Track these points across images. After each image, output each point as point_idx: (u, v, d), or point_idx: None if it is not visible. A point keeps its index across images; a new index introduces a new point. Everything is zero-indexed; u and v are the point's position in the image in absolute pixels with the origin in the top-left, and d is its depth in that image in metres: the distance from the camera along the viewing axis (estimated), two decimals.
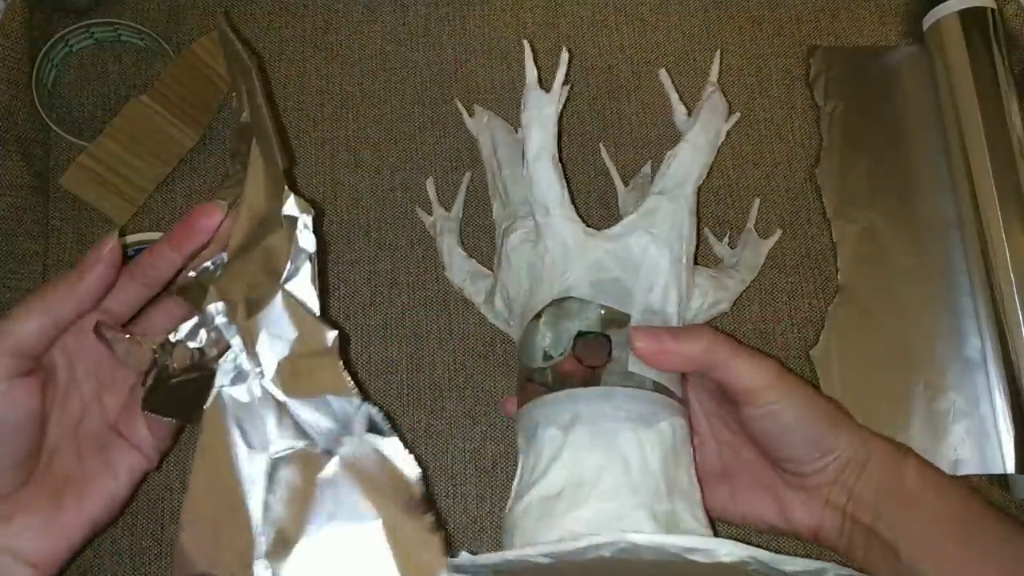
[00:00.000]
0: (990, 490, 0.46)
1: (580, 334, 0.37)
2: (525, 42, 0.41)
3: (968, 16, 0.49)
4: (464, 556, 0.30)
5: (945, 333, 0.47)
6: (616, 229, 0.38)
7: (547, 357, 0.37)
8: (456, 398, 0.46)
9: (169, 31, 0.52)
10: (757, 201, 0.49)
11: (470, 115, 0.49)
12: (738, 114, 0.49)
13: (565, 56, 0.40)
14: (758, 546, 0.29)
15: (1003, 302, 0.45)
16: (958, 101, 0.49)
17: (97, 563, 0.44)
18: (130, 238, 0.45)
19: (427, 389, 0.46)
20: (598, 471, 0.33)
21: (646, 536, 0.28)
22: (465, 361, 0.47)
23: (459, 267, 0.46)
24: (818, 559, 0.29)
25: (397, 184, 0.50)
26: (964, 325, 0.47)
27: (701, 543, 0.29)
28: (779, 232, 0.48)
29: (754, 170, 0.51)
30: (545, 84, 0.40)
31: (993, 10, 0.49)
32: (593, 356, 0.37)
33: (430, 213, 0.48)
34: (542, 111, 0.39)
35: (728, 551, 0.29)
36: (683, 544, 0.29)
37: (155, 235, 0.45)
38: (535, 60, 0.40)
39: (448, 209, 0.48)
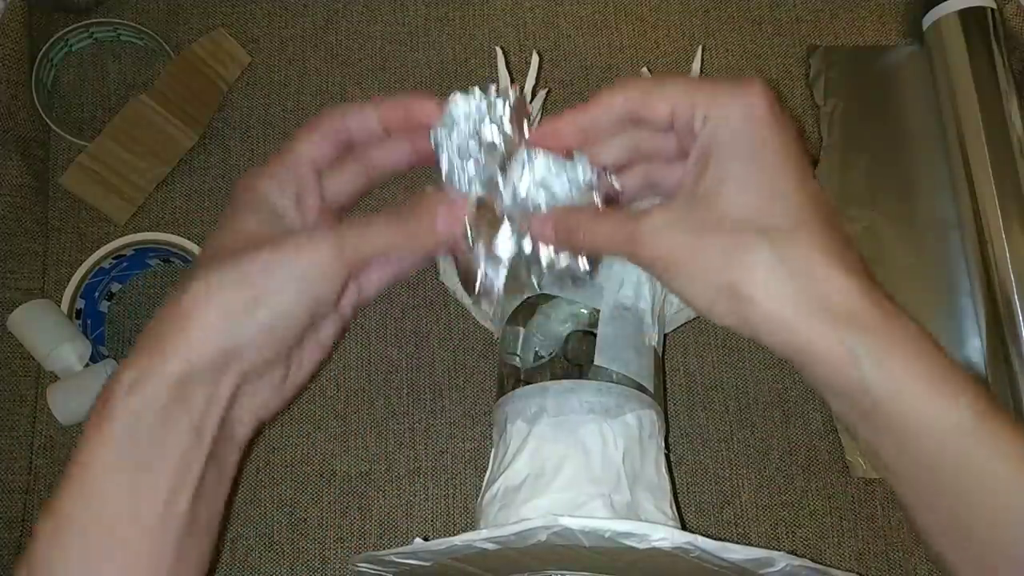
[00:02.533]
0: None
1: (571, 334, 0.38)
2: (498, 48, 0.43)
3: (968, 16, 0.49)
4: (417, 541, 0.31)
5: (945, 333, 0.47)
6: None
7: (537, 357, 0.38)
8: (456, 398, 0.46)
9: (169, 31, 0.52)
10: None
11: None
12: None
13: (535, 60, 0.42)
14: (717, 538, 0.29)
15: (1003, 302, 0.45)
16: (958, 101, 0.49)
17: None
18: (130, 238, 0.45)
19: (427, 389, 0.46)
20: (559, 461, 0.34)
21: (578, 520, 0.29)
22: (465, 361, 0.47)
23: (452, 271, 0.46)
24: (769, 544, 0.29)
25: (397, 184, 0.50)
26: (964, 325, 0.47)
27: (634, 527, 0.29)
28: None
29: None
30: (540, 86, 0.40)
31: (993, 10, 0.49)
32: (581, 355, 0.37)
33: None
34: None
35: (662, 536, 0.29)
36: (616, 528, 0.29)
37: (155, 235, 0.45)
38: (539, 64, 0.42)
39: None
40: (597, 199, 0.32)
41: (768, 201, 0.29)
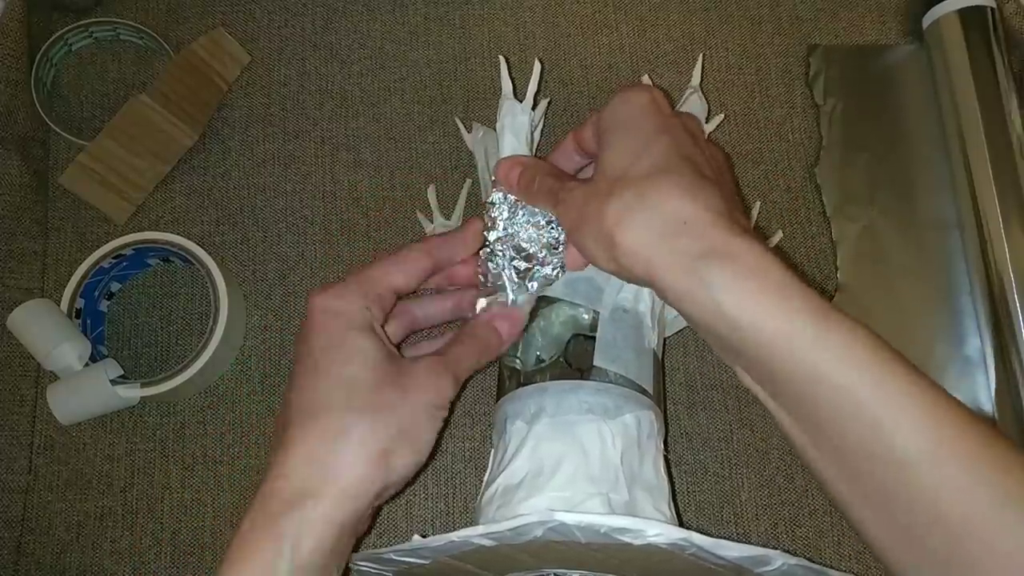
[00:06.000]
0: None
1: (572, 338, 0.38)
2: (501, 57, 0.43)
3: (968, 15, 0.49)
4: (416, 538, 0.32)
5: (945, 333, 0.47)
6: None
7: (538, 360, 0.38)
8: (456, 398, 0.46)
9: (168, 30, 0.52)
10: (757, 204, 0.49)
11: (468, 131, 0.49)
12: (722, 116, 0.49)
13: (537, 68, 0.42)
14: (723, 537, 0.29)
15: (1003, 302, 0.45)
16: (958, 100, 0.48)
17: (97, 563, 0.44)
18: (129, 237, 0.45)
19: None
20: (557, 460, 0.34)
21: (574, 515, 0.29)
22: None
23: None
24: (768, 543, 0.29)
25: (397, 184, 0.50)
26: (964, 325, 0.47)
27: (630, 523, 0.29)
28: (779, 234, 0.48)
29: (754, 169, 0.51)
30: (541, 91, 0.41)
31: (993, 9, 0.49)
32: (582, 359, 0.37)
33: (431, 219, 0.49)
34: (516, 119, 0.41)
35: (657, 532, 0.29)
36: (612, 524, 0.29)
37: (155, 235, 0.45)
38: (542, 67, 0.42)
39: (448, 217, 0.48)
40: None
41: (635, 156, 0.33)
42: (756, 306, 0.29)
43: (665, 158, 0.32)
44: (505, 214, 0.39)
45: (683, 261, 0.30)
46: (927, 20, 0.51)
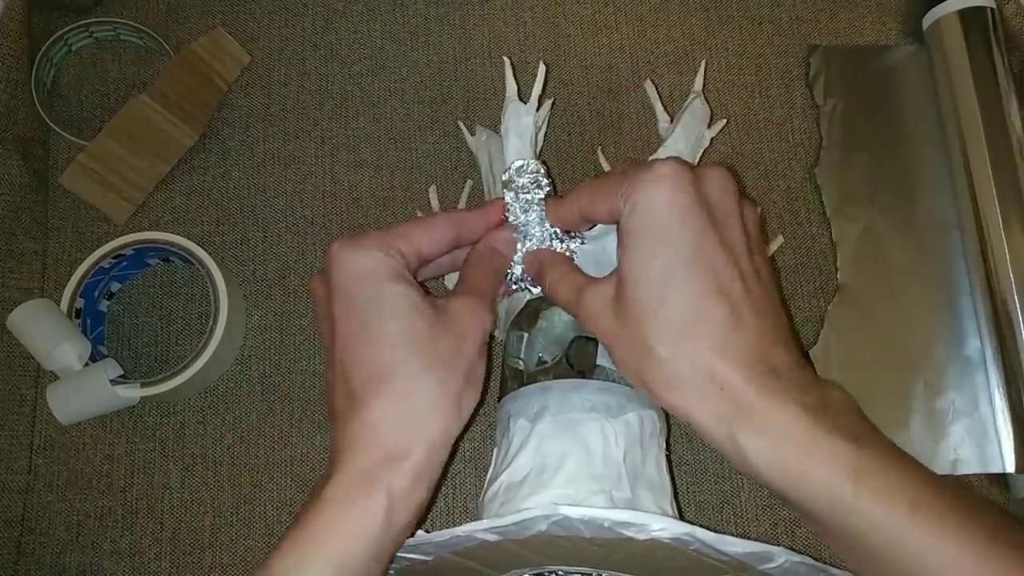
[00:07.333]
0: (990, 490, 0.46)
1: (574, 339, 0.38)
2: (506, 58, 0.43)
3: (968, 16, 0.49)
4: (420, 534, 0.32)
5: (945, 333, 0.47)
6: (593, 232, 0.40)
7: (540, 362, 0.38)
8: None
9: (168, 30, 0.52)
10: (779, 239, 0.49)
11: (472, 134, 0.49)
12: (724, 120, 0.49)
13: (542, 69, 0.42)
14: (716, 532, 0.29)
15: (1003, 302, 0.45)
16: (958, 101, 0.49)
17: (97, 563, 0.44)
18: (129, 237, 0.45)
19: None
20: (561, 458, 0.34)
21: (578, 509, 0.29)
22: None
23: (453, 275, 0.46)
24: (768, 543, 0.30)
25: (397, 184, 0.50)
26: (964, 325, 0.47)
27: (633, 517, 0.29)
28: (780, 239, 0.48)
29: (754, 169, 0.51)
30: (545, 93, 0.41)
31: (993, 10, 0.49)
32: (584, 361, 0.38)
33: None
34: (520, 120, 0.41)
35: (661, 526, 0.29)
36: (615, 518, 0.29)
37: (155, 235, 0.45)
38: (546, 73, 0.43)
39: None
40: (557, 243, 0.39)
41: (666, 292, 0.31)
42: (789, 474, 0.29)
43: (697, 298, 0.30)
44: (516, 214, 0.39)
45: (718, 422, 0.30)
46: (927, 21, 0.51)
